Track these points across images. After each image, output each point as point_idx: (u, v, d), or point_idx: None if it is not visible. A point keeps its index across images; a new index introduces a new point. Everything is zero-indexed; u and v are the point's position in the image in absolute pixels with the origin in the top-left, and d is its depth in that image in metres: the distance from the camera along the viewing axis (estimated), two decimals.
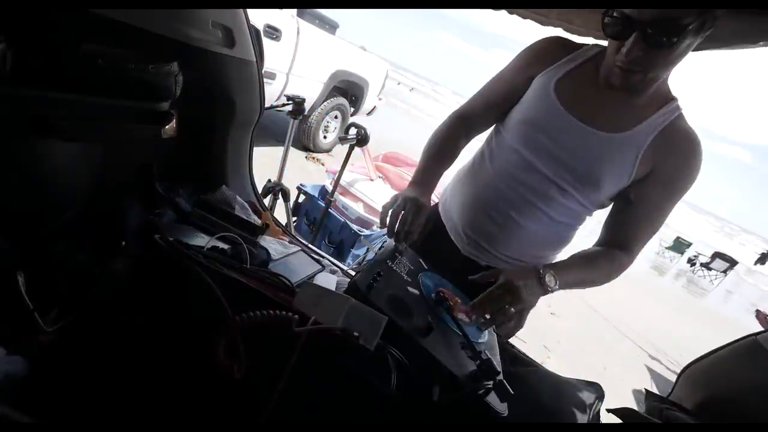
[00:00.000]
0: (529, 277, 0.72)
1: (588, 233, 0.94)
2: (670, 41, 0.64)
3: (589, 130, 0.80)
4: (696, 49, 0.83)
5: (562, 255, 1.00)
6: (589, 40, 0.92)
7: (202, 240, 0.85)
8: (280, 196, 1.95)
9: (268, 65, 3.41)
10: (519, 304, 0.70)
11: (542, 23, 1.01)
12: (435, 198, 0.98)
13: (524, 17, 1.03)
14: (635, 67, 0.70)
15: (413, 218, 0.74)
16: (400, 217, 0.75)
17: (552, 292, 0.74)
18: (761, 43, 0.75)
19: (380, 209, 0.81)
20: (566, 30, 1.00)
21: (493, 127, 0.97)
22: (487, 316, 0.69)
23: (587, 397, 0.74)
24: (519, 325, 0.74)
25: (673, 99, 0.80)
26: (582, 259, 0.83)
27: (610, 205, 0.89)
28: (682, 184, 0.80)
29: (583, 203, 0.85)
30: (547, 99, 0.83)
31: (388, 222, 0.75)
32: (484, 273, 0.77)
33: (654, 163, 0.79)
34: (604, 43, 0.81)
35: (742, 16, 0.72)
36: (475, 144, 1.03)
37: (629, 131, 0.78)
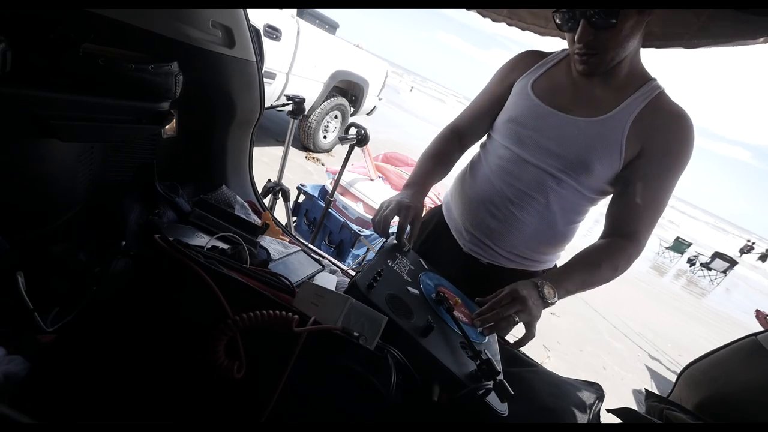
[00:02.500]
0: (532, 289, 0.73)
1: (586, 232, 0.94)
2: (614, 21, 0.71)
3: (570, 118, 0.84)
4: (696, 46, 0.84)
5: (566, 253, 1.01)
6: None
7: (202, 240, 0.85)
8: (280, 196, 1.95)
9: (268, 65, 3.41)
10: (525, 314, 0.70)
11: (541, 33, 1.05)
12: (437, 199, 1.00)
13: (524, 29, 1.05)
14: (590, 50, 0.76)
15: (405, 221, 0.78)
16: (393, 221, 0.78)
17: (552, 304, 0.74)
18: (761, 39, 0.75)
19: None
20: (563, 38, 1.01)
21: (486, 134, 1.02)
22: (491, 324, 0.69)
23: (587, 397, 0.74)
24: (530, 335, 0.74)
25: (651, 79, 0.83)
26: (581, 261, 0.82)
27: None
28: (676, 159, 0.80)
29: (580, 189, 0.86)
30: (527, 98, 0.89)
31: (380, 226, 0.80)
32: (494, 294, 0.76)
33: (643, 142, 0.80)
34: None
35: (742, 19, 0.72)
36: (473, 150, 1.07)
37: (609, 114, 0.82)
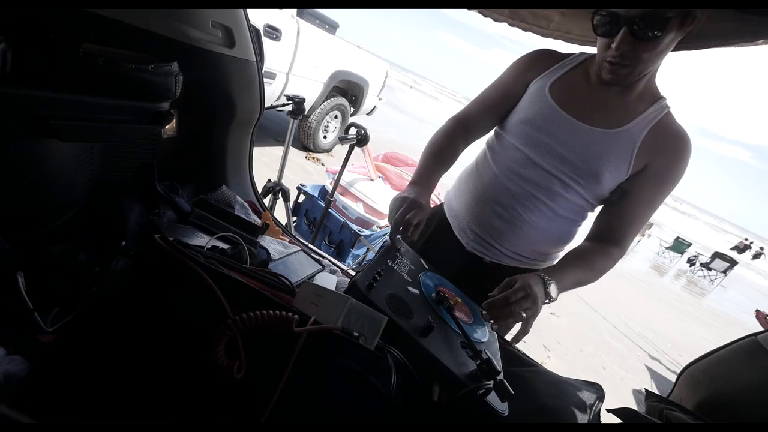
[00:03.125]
0: (540, 286, 0.73)
1: (586, 232, 0.94)
2: (655, 35, 0.69)
3: (586, 127, 0.84)
4: (697, 47, 0.85)
5: (564, 252, 1.01)
6: (588, 49, 0.95)
7: (202, 240, 0.85)
8: (280, 196, 1.95)
9: (268, 65, 3.40)
10: (533, 309, 0.70)
11: (543, 35, 1.04)
12: (437, 199, 1.00)
13: (525, 30, 1.05)
14: (625, 61, 0.75)
15: (415, 218, 0.76)
16: (404, 218, 0.76)
17: (551, 301, 0.75)
18: (761, 40, 0.75)
19: (380, 209, 0.83)
20: (566, 40, 1.02)
21: (492, 131, 1.01)
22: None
23: (587, 397, 0.74)
24: (525, 331, 0.74)
25: (662, 97, 0.84)
26: (576, 260, 0.84)
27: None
28: (673, 178, 0.83)
29: (586, 197, 0.87)
30: (543, 101, 0.88)
31: (394, 222, 0.77)
32: (506, 281, 0.76)
33: (648, 158, 0.82)
34: (592, 50, 0.87)
35: (742, 20, 0.72)
36: (476, 148, 1.06)
37: (624, 127, 0.82)
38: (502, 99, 0.96)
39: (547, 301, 0.74)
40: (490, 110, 0.98)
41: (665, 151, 0.82)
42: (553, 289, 0.73)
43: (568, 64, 0.91)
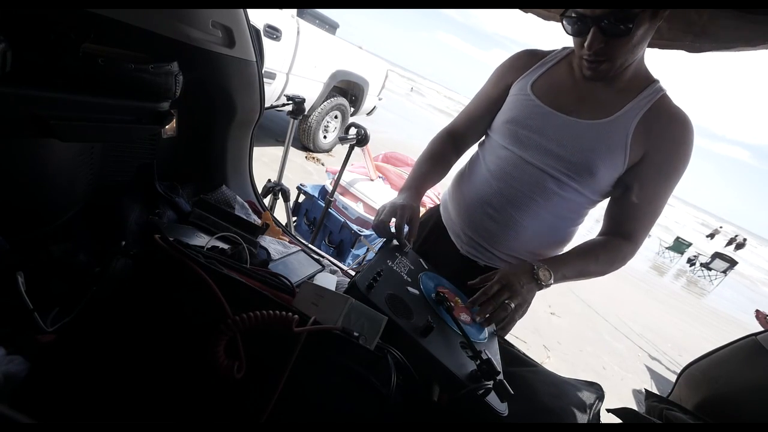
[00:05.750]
0: (524, 272, 0.74)
1: (586, 232, 0.94)
2: (627, 28, 0.68)
3: (573, 120, 0.82)
4: (698, 50, 0.84)
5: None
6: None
7: (202, 240, 0.84)
8: (280, 196, 1.95)
9: (268, 65, 3.41)
10: (516, 298, 0.71)
11: (544, 17, 1.02)
12: (436, 198, 1.00)
13: (526, 12, 1.03)
14: (600, 57, 0.74)
15: (401, 221, 0.79)
16: (394, 223, 0.79)
17: (547, 286, 0.75)
18: (760, 45, 0.75)
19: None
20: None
21: (484, 135, 1.01)
22: (487, 315, 0.70)
23: (587, 397, 0.74)
24: (512, 321, 0.74)
25: (655, 81, 0.82)
26: (580, 251, 0.84)
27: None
28: (677, 164, 0.80)
29: (582, 192, 0.85)
30: (526, 99, 0.87)
31: (379, 229, 0.80)
32: (482, 276, 0.77)
33: (646, 146, 0.79)
34: None
35: (742, 18, 0.72)
36: (472, 150, 1.06)
37: (613, 116, 0.80)
38: (487, 106, 0.96)
39: (542, 284, 0.73)
40: (477, 119, 0.99)
41: (663, 137, 0.78)
42: (543, 274, 0.73)
43: (551, 61, 0.89)
